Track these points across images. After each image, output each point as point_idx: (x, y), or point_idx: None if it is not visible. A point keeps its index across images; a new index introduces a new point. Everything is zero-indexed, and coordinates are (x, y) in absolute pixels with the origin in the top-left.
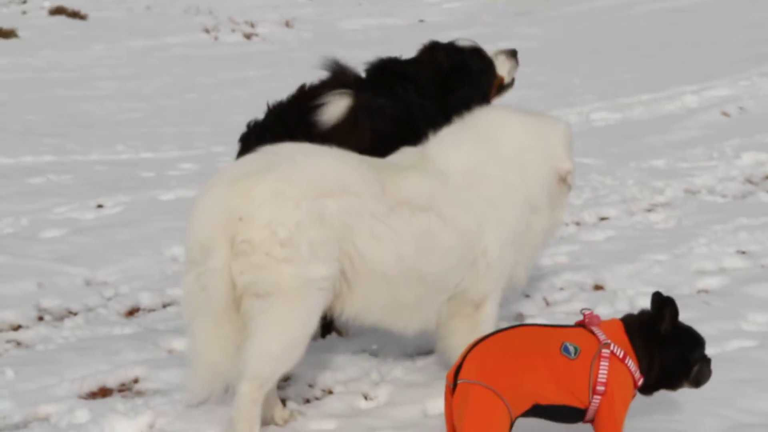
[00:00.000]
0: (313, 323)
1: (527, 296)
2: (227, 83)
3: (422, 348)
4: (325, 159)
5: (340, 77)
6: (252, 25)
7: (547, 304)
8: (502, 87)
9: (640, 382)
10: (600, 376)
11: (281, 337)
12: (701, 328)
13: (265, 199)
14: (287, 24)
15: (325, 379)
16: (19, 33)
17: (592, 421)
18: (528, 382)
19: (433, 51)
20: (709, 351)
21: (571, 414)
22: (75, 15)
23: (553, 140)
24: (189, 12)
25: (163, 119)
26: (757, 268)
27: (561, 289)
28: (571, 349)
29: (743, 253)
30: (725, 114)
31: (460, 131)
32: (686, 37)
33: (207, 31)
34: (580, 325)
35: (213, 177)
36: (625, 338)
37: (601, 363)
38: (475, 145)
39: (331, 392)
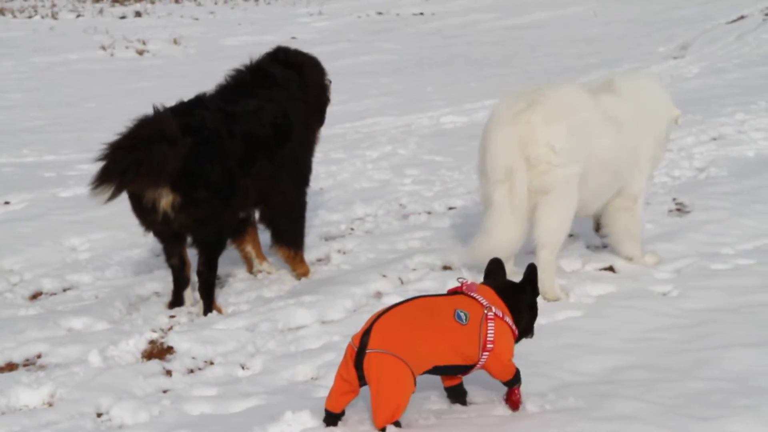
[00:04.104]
0: (575, 206)
1: (384, 276)
2: (122, 94)
3: (291, 324)
4: (563, 90)
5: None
6: (144, 43)
7: (402, 282)
8: None
9: (517, 334)
10: (488, 335)
11: (559, 217)
12: None
13: (541, 125)
14: (175, 41)
15: (207, 351)
16: None
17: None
18: (428, 350)
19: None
20: (541, 321)
21: (463, 369)
22: None
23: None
24: (88, 32)
25: (63, 126)
26: (582, 247)
27: (414, 269)
28: (463, 315)
29: (571, 235)
30: None
31: (628, 76)
32: (525, 51)
33: (104, 48)
34: (458, 292)
35: (491, 120)
36: (499, 300)
37: (488, 324)
38: (640, 87)
39: (212, 363)
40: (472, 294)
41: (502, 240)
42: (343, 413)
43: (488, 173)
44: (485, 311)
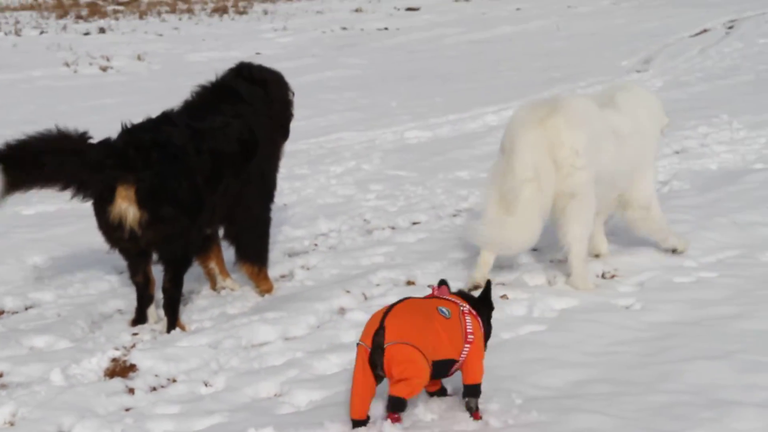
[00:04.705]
0: (594, 207)
1: (348, 292)
2: (86, 110)
3: (255, 340)
4: (578, 101)
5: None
6: (107, 59)
7: (366, 298)
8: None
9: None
10: (468, 327)
11: (584, 222)
12: (497, 316)
13: (565, 130)
14: (139, 57)
15: (170, 369)
16: None
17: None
18: (435, 343)
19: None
20: (504, 335)
21: (450, 366)
22: None
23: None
24: (51, 48)
25: None
26: (545, 261)
27: (377, 285)
28: (445, 311)
29: (535, 250)
30: None
31: (626, 89)
32: (489, 65)
33: (67, 64)
34: (434, 297)
35: (517, 124)
36: (468, 304)
37: (466, 318)
38: (638, 101)
39: (175, 381)
40: (444, 297)
41: (533, 235)
42: (368, 418)
43: (515, 172)
44: (460, 307)
